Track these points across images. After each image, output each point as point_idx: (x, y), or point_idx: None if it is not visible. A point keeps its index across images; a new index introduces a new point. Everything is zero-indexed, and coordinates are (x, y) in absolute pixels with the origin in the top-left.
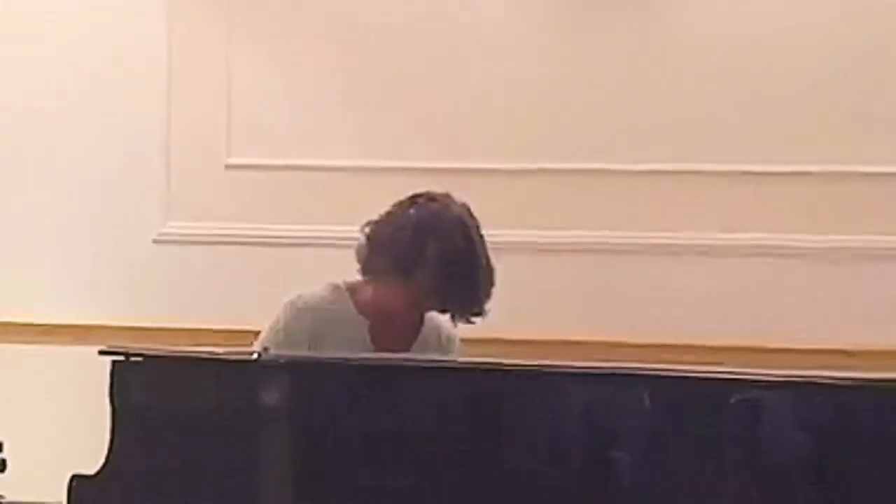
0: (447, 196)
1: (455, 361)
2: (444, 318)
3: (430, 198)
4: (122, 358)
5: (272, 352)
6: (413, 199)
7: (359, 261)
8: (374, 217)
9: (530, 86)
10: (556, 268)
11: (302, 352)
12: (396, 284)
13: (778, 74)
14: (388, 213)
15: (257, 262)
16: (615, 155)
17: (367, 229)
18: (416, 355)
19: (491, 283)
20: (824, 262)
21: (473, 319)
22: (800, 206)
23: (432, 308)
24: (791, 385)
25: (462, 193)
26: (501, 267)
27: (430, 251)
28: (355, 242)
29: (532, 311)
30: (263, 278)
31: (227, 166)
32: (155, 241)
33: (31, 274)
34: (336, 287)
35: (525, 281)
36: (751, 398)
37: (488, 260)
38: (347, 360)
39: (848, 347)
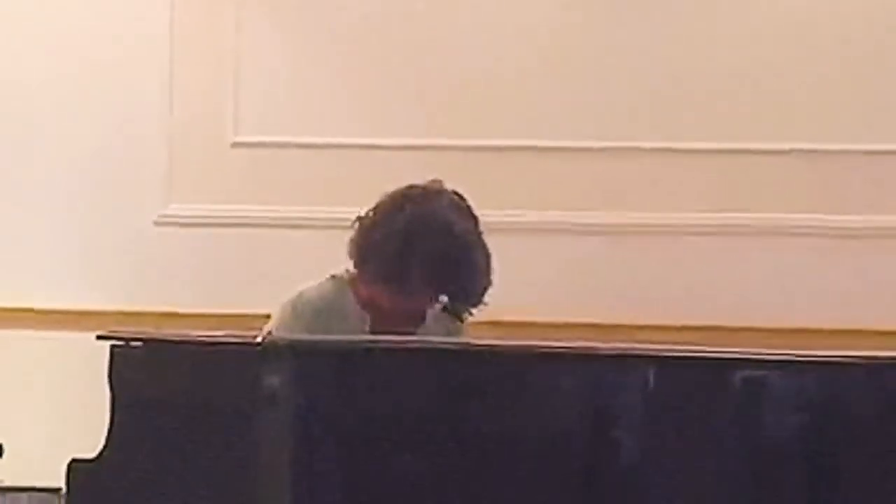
0: (437, 188)
1: (458, 343)
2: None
3: (420, 194)
4: (121, 343)
5: (274, 335)
6: (402, 194)
7: (352, 261)
8: (363, 212)
9: (536, 65)
10: (552, 248)
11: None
12: (390, 289)
13: (786, 51)
14: (376, 214)
15: (263, 245)
16: (613, 133)
17: (356, 231)
18: (419, 338)
19: (488, 276)
20: (826, 241)
21: (473, 311)
22: (801, 185)
23: (431, 304)
24: (791, 364)
25: (470, 172)
26: (501, 248)
27: (420, 257)
28: None
29: (527, 293)
30: (269, 261)
31: (234, 144)
32: (156, 224)
33: (28, 258)
34: (337, 280)
35: (521, 262)
36: (751, 377)
37: (485, 252)
38: (351, 343)
39: (851, 328)
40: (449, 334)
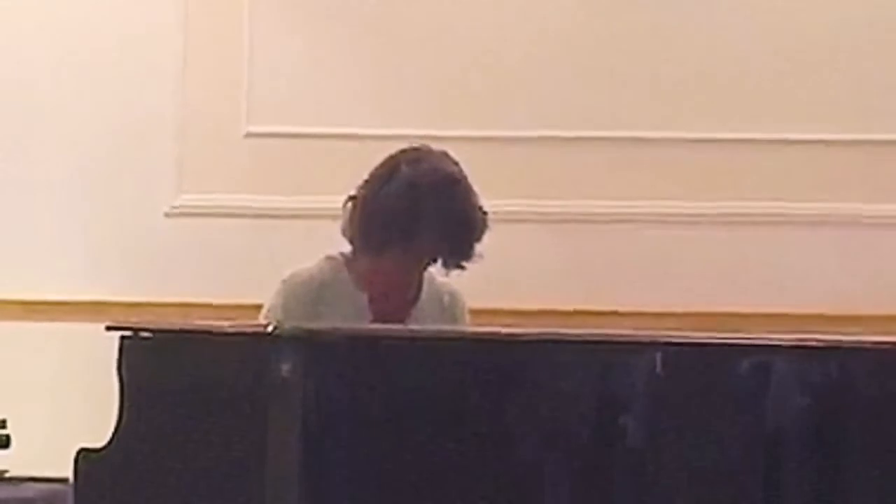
0: (427, 149)
1: (470, 332)
2: (442, 280)
3: (412, 156)
4: (130, 333)
5: (286, 325)
6: (393, 158)
7: (349, 237)
8: (353, 191)
9: (546, 55)
10: (556, 237)
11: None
12: (396, 255)
13: (787, 41)
14: (372, 184)
15: (275, 236)
16: (618, 123)
17: (353, 204)
18: (429, 327)
19: (484, 227)
20: (824, 229)
21: (464, 265)
22: (799, 174)
23: (427, 265)
24: (795, 349)
25: (484, 162)
26: (502, 236)
27: (429, 212)
28: None
29: (528, 281)
30: (281, 252)
31: (247, 135)
32: (167, 214)
33: (39, 249)
34: (332, 259)
35: (522, 251)
36: (758, 363)
37: (480, 204)
38: (362, 331)
39: (852, 313)
40: (448, 307)
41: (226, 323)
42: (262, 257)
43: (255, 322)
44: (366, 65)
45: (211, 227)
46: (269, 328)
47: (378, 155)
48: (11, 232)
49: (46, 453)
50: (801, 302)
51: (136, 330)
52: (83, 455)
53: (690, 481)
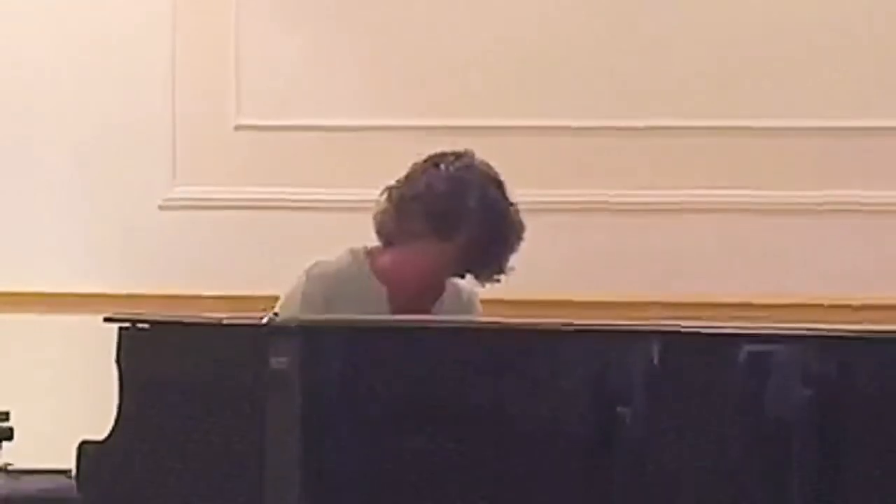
0: (470, 152)
1: (469, 321)
2: (463, 281)
3: (459, 155)
4: (128, 325)
5: (281, 316)
6: (434, 158)
7: (380, 228)
8: (393, 182)
9: (542, 45)
10: (556, 227)
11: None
12: (429, 248)
13: (790, 30)
14: (413, 174)
15: (268, 228)
16: (619, 112)
17: (391, 193)
18: (427, 316)
19: (520, 238)
20: (827, 217)
21: (498, 278)
22: (805, 162)
23: (457, 272)
24: (795, 338)
25: (479, 151)
26: None
27: (471, 205)
28: (370, 205)
29: (532, 271)
30: (275, 244)
31: (237, 127)
32: (161, 207)
33: (33, 242)
34: (354, 252)
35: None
36: (759, 352)
37: (520, 218)
38: (360, 322)
39: (853, 303)
40: (466, 304)
41: (223, 314)
42: (255, 248)
43: (252, 314)
44: (357, 56)
45: (205, 219)
46: (266, 319)
47: (369, 146)
48: (7, 224)
49: (49, 445)
50: (803, 290)
51: (133, 321)
52: (85, 447)
53: (691, 470)
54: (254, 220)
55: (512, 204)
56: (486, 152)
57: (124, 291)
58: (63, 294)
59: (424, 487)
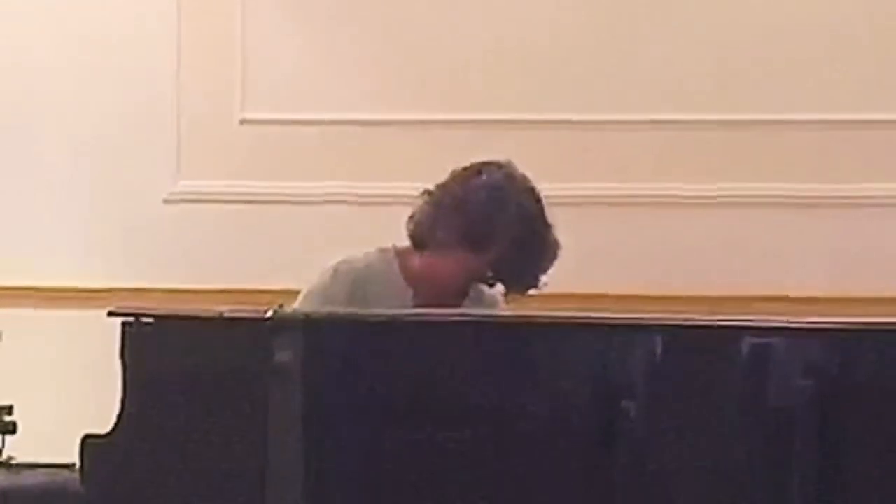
0: (512, 164)
1: (470, 316)
2: (486, 288)
3: (491, 166)
4: (132, 319)
5: (285, 309)
6: (471, 166)
7: (415, 231)
8: (431, 186)
9: (543, 38)
10: (557, 221)
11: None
12: (461, 257)
13: (791, 23)
14: (452, 181)
15: (273, 222)
16: (620, 106)
17: (430, 197)
18: (429, 310)
19: (554, 258)
20: (829, 210)
21: (530, 292)
22: (803, 155)
23: (488, 281)
24: (796, 331)
25: (479, 147)
26: None
27: (508, 221)
28: (375, 199)
29: None
30: (279, 238)
31: (242, 121)
32: (165, 201)
33: (38, 236)
34: (384, 251)
35: None
36: (762, 344)
37: (556, 235)
38: (362, 317)
39: (853, 296)
40: (488, 307)
41: (226, 308)
42: (260, 242)
43: (256, 308)
44: (361, 51)
45: (210, 213)
46: (269, 314)
47: (374, 140)
48: (11, 219)
49: (52, 440)
50: (806, 284)
51: (137, 316)
52: (89, 441)
53: (694, 462)
54: (259, 215)
55: (548, 217)
56: (487, 146)
57: (129, 286)
58: (67, 288)
59: (426, 482)
